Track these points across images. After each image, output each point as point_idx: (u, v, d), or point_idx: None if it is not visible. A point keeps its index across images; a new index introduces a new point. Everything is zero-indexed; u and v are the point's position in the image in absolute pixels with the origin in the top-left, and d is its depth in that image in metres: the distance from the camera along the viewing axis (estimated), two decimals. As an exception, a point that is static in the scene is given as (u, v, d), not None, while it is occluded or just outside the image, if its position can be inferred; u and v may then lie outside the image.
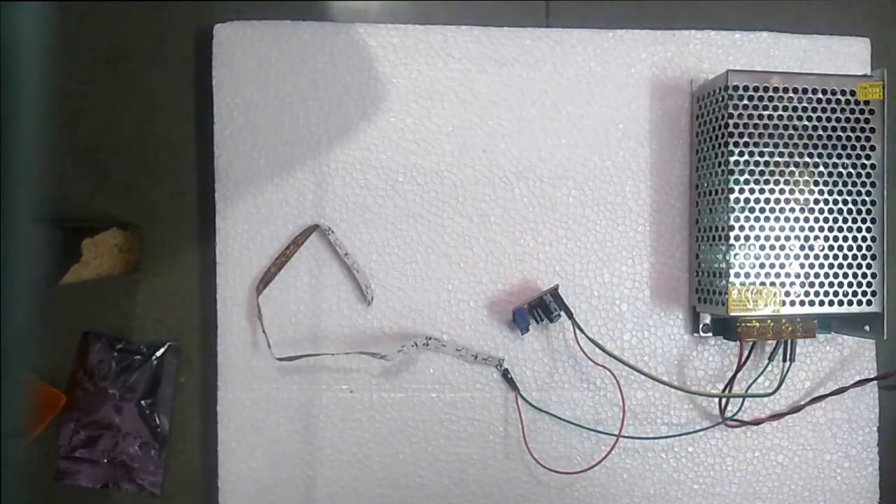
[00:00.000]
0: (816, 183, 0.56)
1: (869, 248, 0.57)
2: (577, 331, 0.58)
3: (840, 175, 0.57)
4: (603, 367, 0.60)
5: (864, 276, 0.57)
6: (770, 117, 0.56)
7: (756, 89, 0.56)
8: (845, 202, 0.57)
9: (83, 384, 0.61)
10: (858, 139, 0.57)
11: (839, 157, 0.57)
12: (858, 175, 0.57)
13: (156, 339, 0.62)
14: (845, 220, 0.57)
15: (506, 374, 0.60)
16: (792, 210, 0.56)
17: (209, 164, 0.60)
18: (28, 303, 0.28)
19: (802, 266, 0.56)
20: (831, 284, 0.56)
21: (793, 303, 0.56)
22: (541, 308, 0.58)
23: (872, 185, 0.57)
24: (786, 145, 0.56)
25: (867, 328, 0.58)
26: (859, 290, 0.57)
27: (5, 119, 0.27)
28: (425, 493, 0.61)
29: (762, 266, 0.55)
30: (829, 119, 0.56)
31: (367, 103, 0.61)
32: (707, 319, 0.61)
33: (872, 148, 0.57)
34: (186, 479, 0.62)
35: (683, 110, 0.63)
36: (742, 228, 0.55)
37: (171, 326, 0.62)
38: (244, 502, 0.60)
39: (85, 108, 0.62)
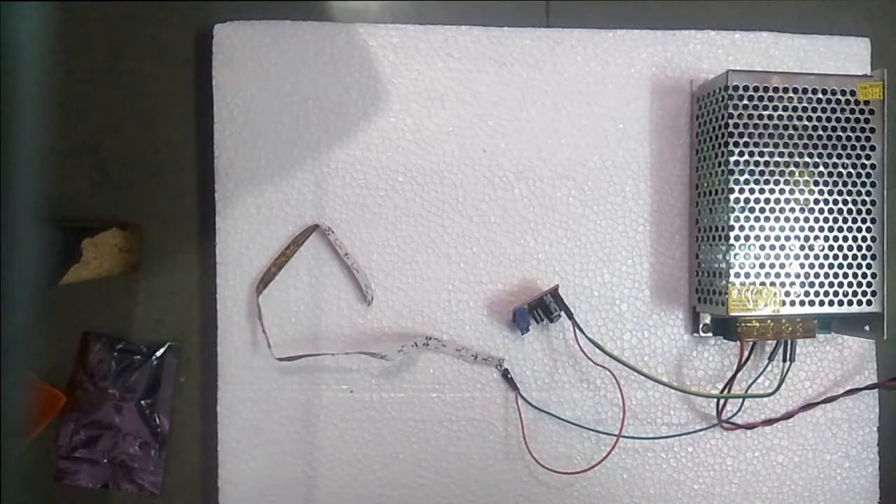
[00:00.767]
0: (816, 183, 0.56)
1: (869, 248, 0.57)
2: (577, 331, 0.58)
3: (840, 175, 0.57)
4: (603, 367, 0.60)
5: (864, 276, 0.57)
6: (770, 117, 0.56)
7: (756, 89, 0.56)
8: (845, 202, 0.57)
9: (83, 384, 0.61)
10: (858, 139, 0.57)
11: (839, 157, 0.57)
12: (858, 175, 0.57)
13: (156, 339, 0.62)
14: (845, 220, 0.57)
15: (506, 374, 0.60)
16: (792, 210, 0.56)
17: (209, 164, 0.60)
18: (28, 303, 0.28)
19: (802, 266, 0.56)
20: (831, 284, 0.56)
21: (793, 303, 0.56)
22: (541, 308, 0.58)
23: (872, 185, 0.57)
24: (786, 145, 0.56)
25: (867, 328, 0.58)
26: (859, 290, 0.57)
27: (5, 119, 0.27)
28: (425, 493, 0.61)
29: (762, 266, 0.55)
30: (829, 119, 0.56)
31: (367, 103, 0.61)
32: (707, 319, 0.61)
33: (872, 148, 0.57)
34: (186, 479, 0.62)
35: (683, 110, 0.63)
36: (742, 228, 0.55)
37: (171, 326, 0.62)
38: (244, 502, 0.60)
39: (85, 108, 0.62)
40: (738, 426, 0.62)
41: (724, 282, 0.55)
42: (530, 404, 0.60)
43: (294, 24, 0.61)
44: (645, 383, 0.61)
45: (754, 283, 0.55)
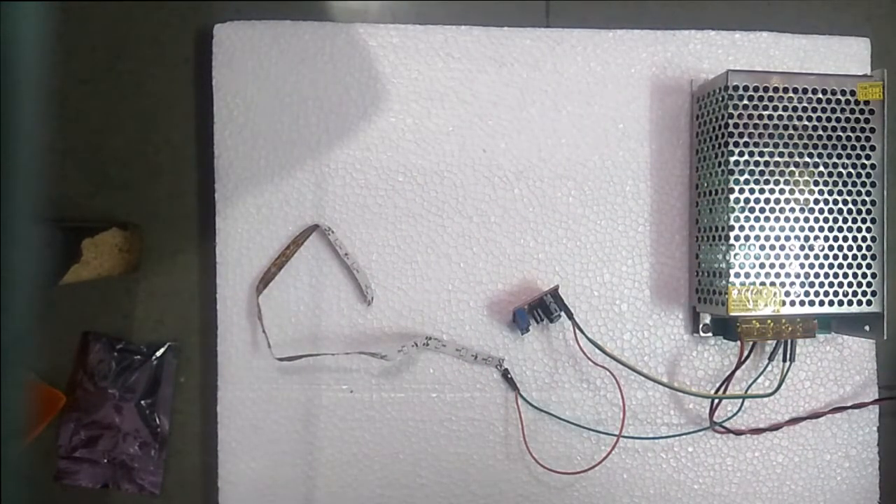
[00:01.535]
0: (816, 183, 0.56)
1: (869, 248, 0.57)
2: (577, 331, 0.58)
3: (840, 175, 0.57)
4: (603, 367, 0.60)
5: (864, 276, 0.57)
6: (770, 117, 0.56)
7: (756, 89, 0.56)
8: (845, 202, 0.57)
9: (83, 384, 0.61)
10: (858, 139, 0.57)
11: (839, 157, 0.57)
12: (858, 175, 0.57)
13: (156, 339, 0.62)
14: (845, 220, 0.57)
15: (506, 374, 0.60)
16: (792, 210, 0.56)
17: (209, 164, 0.60)
18: (28, 303, 0.28)
19: (802, 266, 0.56)
20: (831, 284, 0.56)
21: (793, 303, 0.56)
22: (541, 308, 0.58)
23: (872, 185, 0.57)
24: (786, 145, 0.56)
25: (867, 328, 0.58)
26: (859, 290, 0.57)
27: (5, 119, 0.27)
28: (425, 493, 0.61)
29: (762, 266, 0.55)
30: (829, 119, 0.56)
31: (367, 103, 0.61)
32: (707, 319, 0.61)
33: (872, 148, 0.57)
34: (186, 479, 0.62)
35: (683, 110, 0.63)
36: (742, 228, 0.55)
37: (171, 326, 0.62)
38: (244, 502, 0.60)
39: (85, 108, 0.62)
40: (729, 430, 0.62)
41: (724, 282, 0.55)
42: (530, 404, 0.60)
43: (294, 24, 0.61)
44: (645, 383, 0.61)
45: (754, 283, 0.55)
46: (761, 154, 0.56)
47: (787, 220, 0.56)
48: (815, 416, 0.62)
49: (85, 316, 0.61)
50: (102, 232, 0.56)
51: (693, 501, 0.62)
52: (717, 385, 0.62)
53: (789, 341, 0.60)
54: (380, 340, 0.60)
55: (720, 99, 0.57)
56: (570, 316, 0.58)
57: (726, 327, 0.60)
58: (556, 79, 0.62)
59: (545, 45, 0.62)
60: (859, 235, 0.57)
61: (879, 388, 0.64)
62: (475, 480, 0.61)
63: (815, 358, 0.63)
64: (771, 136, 0.56)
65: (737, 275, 0.55)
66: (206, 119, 0.60)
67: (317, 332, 0.60)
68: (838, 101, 0.57)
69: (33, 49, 0.28)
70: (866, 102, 0.57)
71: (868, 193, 0.57)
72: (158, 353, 0.61)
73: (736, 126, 0.55)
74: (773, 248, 0.56)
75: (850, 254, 0.57)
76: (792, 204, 0.56)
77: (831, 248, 0.56)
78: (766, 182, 0.56)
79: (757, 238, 0.55)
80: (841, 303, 0.56)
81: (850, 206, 0.57)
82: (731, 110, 0.55)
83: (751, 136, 0.56)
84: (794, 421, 0.62)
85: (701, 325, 0.61)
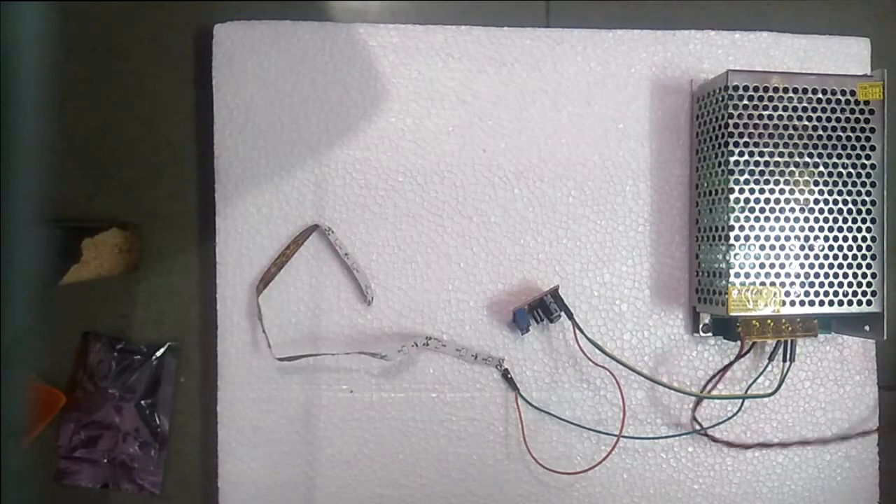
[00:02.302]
0: (816, 183, 0.56)
1: (869, 248, 0.57)
2: (577, 331, 0.58)
3: (840, 175, 0.57)
4: (603, 367, 0.60)
5: (864, 276, 0.57)
6: (770, 117, 0.56)
7: (756, 89, 0.56)
8: (845, 202, 0.57)
9: (83, 384, 0.61)
10: (858, 139, 0.57)
11: (839, 157, 0.57)
12: (858, 175, 0.57)
13: (156, 339, 0.62)
14: (845, 220, 0.57)
15: (506, 375, 0.60)
16: (792, 210, 0.56)
17: (209, 164, 0.60)
18: (28, 303, 0.28)
19: (802, 266, 0.56)
20: (831, 284, 0.56)
21: (793, 303, 0.56)
22: (541, 308, 0.58)
23: (872, 185, 0.57)
24: (786, 145, 0.56)
25: (867, 328, 0.58)
26: (859, 290, 0.57)
27: (5, 119, 0.27)
28: (425, 493, 0.61)
29: (762, 266, 0.55)
30: (829, 119, 0.56)
31: (367, 103, 0.61)
32: (707, 319, 0.61)
33: (872, 148, 0.57)
34: (186, 479, 0.62)
35: (683, 110, 0.63)
36: (742, 228, 0.55)
37: (171, 326, 0.62)
38: (244, 502, 0.60)
39: (85, 108, 0.62)
40: (715, 440, 0.62)
41: (724, 282, 0.55)
42: (530, 404, 0.60)
43: (294, 24, 0.61)
44: (645, 383, 0.61)
45: (754, 283, 0.55)
46: (761, 154, 0.56)
47: (787, 220, 0.56)
48: (803, 443, 0.63)
49: (85, 316, 0.61)
50: (102, 232, 0.56)
51: (693, 501, 0.62)
52: (721, 384, 0.62)
53: (789, 341, 0.60)
54: (380, 340, 0.60)
55: (720, 99, 0.57)
56: (570, 316, 0.58)
57: (726, 327, 0.60)
58: (556, 79, 0.62)
59: (545, 45, 0.62)
60: (859, 235, 0.57)
61: (879, 388, 0.64)
62: (475, 480, 0.61)
63: (815, 358, 0.63)
64: (771, 136, 0.56)
65: (737, 275, 0.55)
66: (206, 119, 0.60)
67: (317, 332, 0.60)
68: (838, 101, 0.57)
69: (33, 49, 0.28)
70: (866, 102, 0.57)
71: (868, 193, 0.57)
72: (158, 353, 0.61)
73: (736, 126, 0.55)
74: (773, 248, 0.56)
75: (850, 254, 0.57)
76: (792, 204, 0.56)
77: (831, 248, 0.56)
78: (766, 182, 0.56)
79: (757, 238, 0.55)
80: (841, 303, 0.56)
81: (850, 206, 0.57)
82: (731, 110, 0.55)
83: (751, 136, 0.56)
84: (784, 445, 0.63)
85: (701, 325, 0.61)
